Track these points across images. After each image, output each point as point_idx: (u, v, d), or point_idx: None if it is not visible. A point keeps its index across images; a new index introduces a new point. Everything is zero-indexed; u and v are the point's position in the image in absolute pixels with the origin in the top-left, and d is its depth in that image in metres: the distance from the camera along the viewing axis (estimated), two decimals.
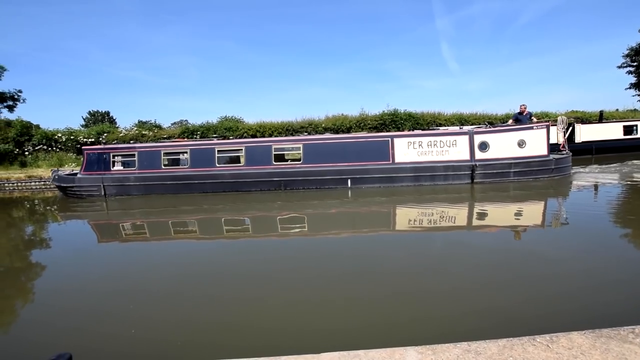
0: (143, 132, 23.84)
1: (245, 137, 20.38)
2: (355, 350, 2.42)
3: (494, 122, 18.95)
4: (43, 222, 9.61)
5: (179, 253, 6.12)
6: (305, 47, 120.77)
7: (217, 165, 11.51)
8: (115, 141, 23.02)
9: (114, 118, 50.58)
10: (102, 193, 11.70)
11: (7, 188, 18.12)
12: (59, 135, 23.82)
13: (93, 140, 23.70)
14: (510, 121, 13.02)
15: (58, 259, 6.13)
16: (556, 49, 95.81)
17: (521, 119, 12.42)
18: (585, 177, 12.27)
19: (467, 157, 11.33)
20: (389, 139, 11.41)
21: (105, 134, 24.09)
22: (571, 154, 12.44)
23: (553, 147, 12.80)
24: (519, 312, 3.48)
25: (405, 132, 11.81)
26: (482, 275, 4.39)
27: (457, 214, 7.87)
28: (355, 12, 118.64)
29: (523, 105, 12.57)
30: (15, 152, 23.68)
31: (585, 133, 18.25)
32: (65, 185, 12.00)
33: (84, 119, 49.70)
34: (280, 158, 11.69)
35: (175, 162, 11.68)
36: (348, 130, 20.49)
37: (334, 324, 3.34)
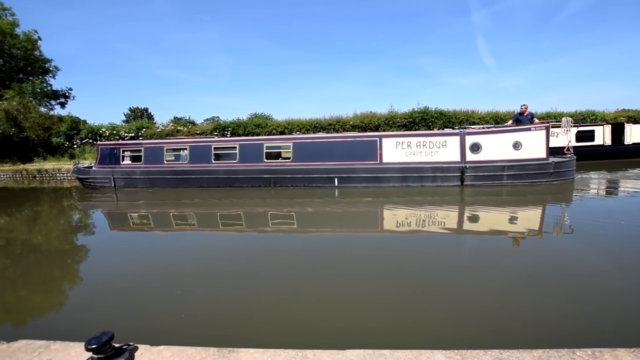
0: (178, 128, 25.31)
1: (273, 134, 21.20)
2: (381, 350, 2.39)
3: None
4: (65, 211, 10.73)
5: (191, 244, 6.64)
6: (334, 45, 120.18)
7: (213, 161, 12.10)
8: (154, 136, 24.53)
9: (152, 114, 54.11)
10: (113, 185, 12.74)
11: (58, 178, 20.10)
12: (103, 129, 25.85)
13: (133, 135, 25.45)
14: (509, 122, 12.50)
15: (85, 245, 6.93)
16: (606, 41, 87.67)
17: (522, 120, 11.94)
18: (590, 183, 11.58)
19: (457, 158, 11.12)
20: (377, 139, 11.45)
21: (144, 129, 25.77)
22: (575, 157, 11.73)
23: (558, 150, 12.16)
24: (556, 322, 3.27)
25: (394, 132, 11.80)
26: (506, 279, 4.32)
27: (442, 218, 7.80)
28: (387, 8, 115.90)
29: (524, 105, 12.05)
30: (66, 145, 25.89)
31: (637, 134, 16.70)
32: (82, 177, 13.23)
33: (125, 115, 53.60)
34: (271, 156, 12.07)
35: (176, 158, 12.44)
36: (376, 128, 20.48)
37: (359, 322, 3.35)
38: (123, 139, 25.11)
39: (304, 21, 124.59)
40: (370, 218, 8.23)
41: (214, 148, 12.19)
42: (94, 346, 1.70)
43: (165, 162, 12.47)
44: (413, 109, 21.69)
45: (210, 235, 7.13)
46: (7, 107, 24.53)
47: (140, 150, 12.67)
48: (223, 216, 8.75)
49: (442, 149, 11.21)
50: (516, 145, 11.05)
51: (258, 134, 22.25)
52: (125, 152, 12.85)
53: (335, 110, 45.18)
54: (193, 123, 27.94)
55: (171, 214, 9.17)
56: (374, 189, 11.21)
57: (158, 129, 26.20)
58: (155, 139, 22.44)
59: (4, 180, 22.19)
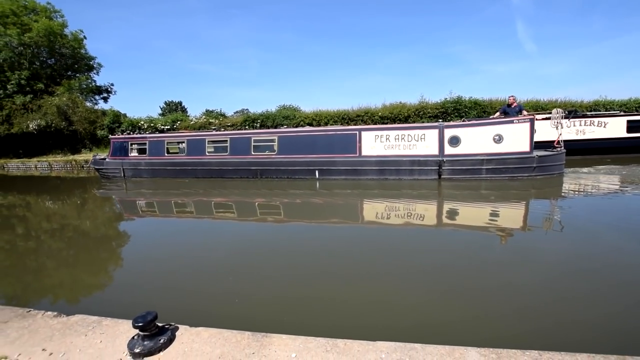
0: (210, 120, 26.82)
1: (302, 125, 22.16)
2: (412, 343, 2.40)
3: (577, 110, 17.24)
4: (82, 199, 12.18)
5: (203, 230, 7.50)
6: (364, 36, 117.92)
7: (207, 154, 12.95)
8: (188, 128, 26.14)
9: (185, 107, 58.10)
10: (122, 175, 14.02)
11: None
12: (142, 122, 27.99)
13: (169, 127, 27.43)
14: (496, 114, 12.20)
15: (104, 229, 8.05)
16: None
17: (509, 112, 11.67)
18: (580, 178, 11.12)
19: (435, 152, 11.16)
20: (357, 132, 11.70)
21: (178, 122, 27.65)
22: (564, 151, 11.26)
23: (545, 144, 11.72)
24: (599, 326, 3.12)
25: (374, 126, 11.99)
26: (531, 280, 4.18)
27: (414, 212, 7.89)
28: None
29: (512, 96, 11.76)
30: (109, 137, 28.26)
31: None
32: (98, 167, 14.74)
33: (161, 108, 57.61)
34: (258, 149, 12.69)
35: (175, 151, 13.44)
36: (406, 119, 20.54)
37: (388, 319, 3.34)
38: (161, 131, 26.98)
39: (332, 13, 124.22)
40: (350, 210, 8.62)
41: (208, 142, 13.01)
42: (140, 324, 1.85)
43: (166, 154, 13.48)
44: (445, 98, 21.33)
45: (228, 224, 7.69)
46: (59, 102, 27.01)
47: (145, 143, 13.81)
48: (243, 206, 9.53)
49: (421, 142, 11.27)
50: (497, 139, 10.86)
51: (287, 126, 23.07)
52: (133, 145, 14.11)
53: (363, 102, 45.03)
54: (224, 115, 29.34)
55: (183, 202, 10.21)
56: (353, 182, 11.49)
57: (191, 121, 27.94)
58: (190, 130, 24.00)
59: (57, 169, 24.74)
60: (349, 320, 3.30)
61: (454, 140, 11.10)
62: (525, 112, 11.53)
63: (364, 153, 11.69)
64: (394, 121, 21.14)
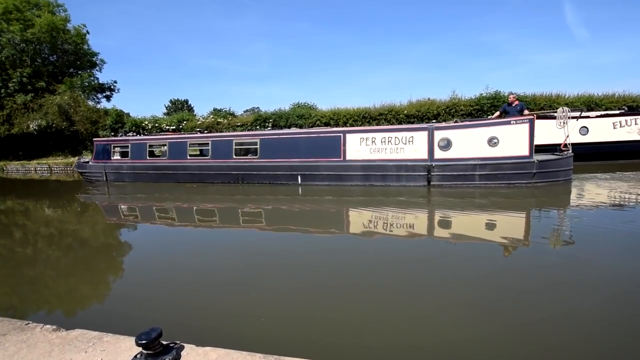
0: (218, 120, 28.97)
1: (318, 125, 23.83)
2: None
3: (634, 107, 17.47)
4: (63, 203, 14.12)
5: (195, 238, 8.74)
6: (387, 24, 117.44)
7: (188, 157, 14.40)
8: (198, 129, 28.08)
9: (192, 106, 61.68)
10: (105, 179, 15.77)
11: None
12: (146, 122, 30.59)
13: (174, 127, 29.78)
14: (496, 114, 12.84)
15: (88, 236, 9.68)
16: None
17: (510, 112, 12.43)
18: (590, 186, 11.58)
19: (424, 156, 12.07)
20: (341, 134, 12.75)
21: (184, 122, 30.02)
22: (572, 155, 11.78)
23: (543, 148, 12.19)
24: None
25: (359, 127, 12.96)
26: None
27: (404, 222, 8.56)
28: None
29: (512, 94, 12.57)
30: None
31: None
32: (81, 171, 16.70)
33: (166, 107, 62.02)
34: (240, 152, 13.96)
35: (157, 154, 14.98)
36: (435, 118, 21.69)
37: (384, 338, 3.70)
38: (166, 131, 29.05)
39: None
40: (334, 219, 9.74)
41: (189, 145, 14.46)
42: (143, 342, 1.91)
43: (147, 157, 15.06)
44: (480, 94, 22.09)
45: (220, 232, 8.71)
46: (60, 101, 29.83)
47: (128, 146, 15.47)
48: (241, 213, 10.97)
49: (409, 145, 12.18)
50: (492, 141, 11.59)
51: (301, 126, 24.74)
52: (116, 148, 16.00)
53: (387, 98, 45.59)
54: (233, 114, 31.39)
55: (163, 207, 11.82)
56: (337, 188, 12.76)
57: (198, 121, 30.26)
58: (195, 131, 25.84)
59: (57, 172, 27.29)
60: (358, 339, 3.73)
61: (445, 144, 11.92)
62: (526, 112, 12.10)
63: (348, 157, 12.74)
64: (421, 120, 22.15)
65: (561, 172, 11.69)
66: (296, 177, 13.42)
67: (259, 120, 27.08)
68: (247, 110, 39.41)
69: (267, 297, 4.63)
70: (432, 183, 12.05)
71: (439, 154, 12.03)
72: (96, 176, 16.77)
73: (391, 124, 17.51)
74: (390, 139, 12.48)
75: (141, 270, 6.11)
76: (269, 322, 3.98)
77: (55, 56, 32.44)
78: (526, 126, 11.42)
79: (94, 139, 17.31)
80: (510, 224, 8.09)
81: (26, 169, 29.39)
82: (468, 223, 8.25)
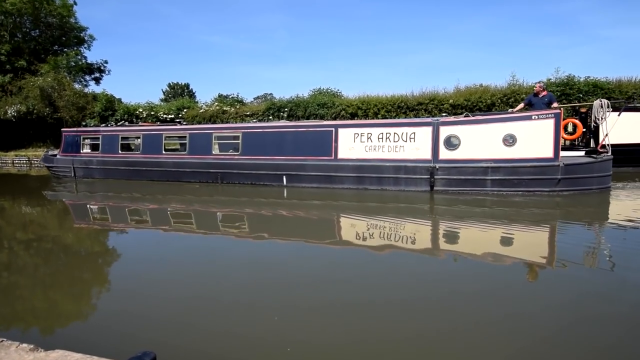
0: (224, 108, 29.18)
1: (342, 115, 24.00)
2: None
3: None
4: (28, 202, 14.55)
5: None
6: None
7: (164, 152, 14.51)
8: (197, 118, 28.48)
9: (194, 91, 62.80)
10: (73, 174, 16.05)
11: None
12: (140, 110, 31.16)
13: (173, 116, 30.29)
14: (519, 106, 12.52)
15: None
16: None
17: (535, 104, 12.09)
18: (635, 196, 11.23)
19: (427, 156, 12.04)
20: (333, 128, 12.69)
21: (184, 110, 30.52)
22: (611, 157, 11.34)
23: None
24: None
25: (353, 121, 12.78)
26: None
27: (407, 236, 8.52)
28: None
29: (539, 83, 12.20)
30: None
31: None
32: (48, 165, 17.06)
33: (164, 92, 63.57)
34: (220, 148, 14.02)
35: (130, 148, 15.19)
36: (489, 108, 21.16)
37: None
38: (162, 121, 29.48)
39: None
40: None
41: (165, 137, 14.58)
42: None
43: (119, 152, 15.25)
44: (548, 79, 21.28)
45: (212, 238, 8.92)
46: (43, 83, 30.48)
47: (99, 138, 15.69)
48: (222, 217, 11.32)
49: (409, 143, 12.08)
50: (508, 140, 11.36)
51: (322, 116, 24.86)
52: (86, 140, 16.35)
53: (428, 84, 44.76)
54: (241, 102, 31.96)
55: (138, 209, 12.21)
56: (326, 191, 12.92)
57: (201, 109, 30.54)
58: (198, 122, 26.05)
59: (38, 166, 27.94)
60: None
61: (451, 142, 11.78)
62: (556, 104, 11.70)
63: (340, 156, 12.71)
64: (471, 110, 21.32)
65: (594, 178, 11.37)
66: (281, 177, 13.52)
67: (272, 109, 27.13)
68: (258, 97, 39.89)
69: (258, 316, 4.74)
70: (435, 188, 11.94)
71: (444, 153, 11.87)
72: (64, 171, 17.33)
73: (432, 117, 17.02)
74: (388, 135, 12.38)
75: (128, 282, 6.21)
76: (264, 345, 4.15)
77: (37, 31, 33.37)
78: (551, 122, 11.14)
79: (62, 129, 17.90)
80: (526, 242, 7.88)
81: (2, 161, 30.30)
82: (475, 239, 8.19)
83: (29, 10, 31.76)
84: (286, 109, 26.38)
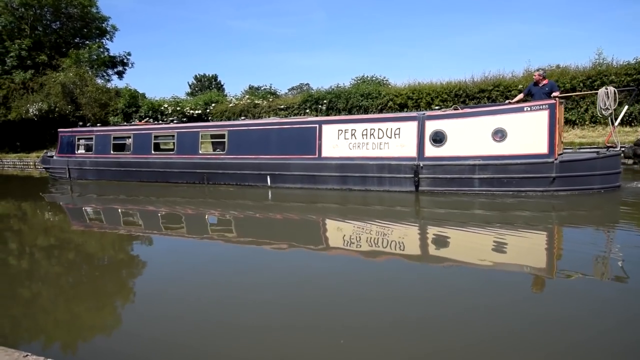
0: (256, 102, 31.48)
1: (390, 107, 25.44)
2: None
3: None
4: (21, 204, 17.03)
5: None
6: None
7: (153, 152, 16.71)
8: (226, 113, 31.24)
9: (222, 84, 66.61)
10: (68, 176, 18.67)
11: None
12: (165, 105, 34.15)
13: (200, 112, 32.94)
14: (519, 96, 13.43)
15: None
16: None
17: (535, 94, 12.88)
18: None
19: (412, 153, 13.23)
20: (317, 125, 14.23)
21: (212, 105, 33.08)
22: (619, 153, 12.23)
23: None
24: None
25: (337, 117, 14.28)
26: None
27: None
28: None
29: (538, 71, 12.95)
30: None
31: None
32: (45, 166, 19.81)
33: (190, 85, 67.31)
34: (207, 147, 15.97)
35: (121, 148, 17.55)
36: (568, 93, 20.59)
37: None
38: (189, 117, 32.59)
39: None
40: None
41: (154, 137, 16.76)
42: None
43: (111, 152, 17.63)
44: None
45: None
46: (64, 79, 33.98)
47: (92, 138, 18.16)
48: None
49: (394, 139, 13.35)
50: (498, 135, 12.31)
51: (366, 109, 26.34)
52: (80, 141, 18.79)
53: (492, 67, 44.09)
54: (274, 94, 34.10)
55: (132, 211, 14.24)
56: (310, 192, 14.34)
57: (230, 103, 32.94)
58: (227, 117, 28.47)
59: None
60: None
61: (438, 137, 12.89)
62: (557, 93, 12.48)
63: (324, 154, 14.24)
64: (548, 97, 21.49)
65: (596, 176, 11.91)
66: (265, 177, 15.12)
67: (309, 101, 28.77)
68: (293, 89, 41.84)
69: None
70: (420, 188, 12.99)
71: (430, 150, 12.93)
72: (59, 173, 19.83)
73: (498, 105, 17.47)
74: (372, 131, 13.66)
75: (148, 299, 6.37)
76: None
77: (58, 23, 37.24)
78: (545, 114, 11.83)
79: (58, 130, 20.46)
80: (517, 249, 8.14)
81: (24, 163, 34.06)
82: (460, 249, 8.42)
83: (50, 1, 35.53)
84: (325, 101, 27.89)
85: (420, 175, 12.94)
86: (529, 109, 12.05)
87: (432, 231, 9.82)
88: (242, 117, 28.69)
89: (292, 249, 8.71)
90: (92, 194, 16.86)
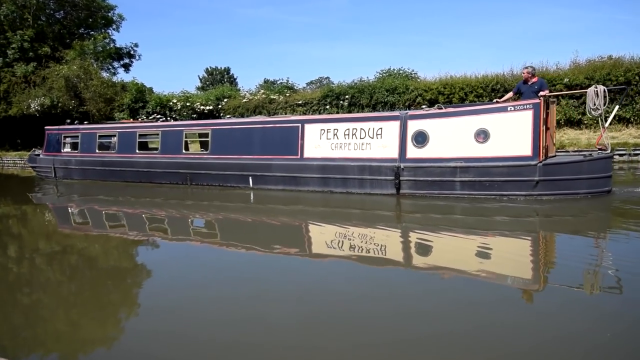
0: (271, 97, 32.28)
1: (419, 103, 25.75)
2: None
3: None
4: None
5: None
6: None
7: (137, 151, 18.05)
8: (239, 109, 32.27)
9: (235, 77, 68.49)
10: (54, 175, 20.21)
11: None
12: (175, 101, 35.20)
13: (211, 107, 33.99)
14: (507, 95, 14.10)
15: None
16: None
17: (524, 92, 13.51)
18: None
19: (394, 154, 14.03)
20: (300, 124, 15.28)
21: (225, 100, 34.03)
22: (610, 156, 12.77)
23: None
24: None
25: (321, 116, 15.31)
26: None
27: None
28: None
29: (527, 68, 13.59)
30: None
31: None
32: (32, 165, 21.39)
33: (201, 79, 69.07)
34: (191, 147, 17.23)
35: (106, 147, 18.94)
36: (622, 90, 20.26)
37: None
38: (200, 113, 33.75)
39: None
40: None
41: (139, 135, 18.09)
42: None
43: (96, 151, 19.04)
44: None
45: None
46: (68, 72, 35.62)
47: (78, 136, 19.60)
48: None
49: (376, 139, 14.23)
50: (480, 135, 12.99)
51: (393, 104, 26.97)
52: (66, 139, 20.29)
53: (533, 58, 43.76)
54: (291, 88, 34.61)
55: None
56: (292, 194, 15.30)
57: (244, 98, 33.76)
58: (240, 113, 30.23)
59: None
60: None
61: (420, 138, 13.70)
62: (545, 92, 13.07)
63: (306, 155, 15.24)
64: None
65: (583, 181, 12.44)
66: (247, 178, 16.15)
67: (330, 96, 29.48)
68: (311, 83, 42.68)
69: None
70: (401, 191, 13.76)
71: (412, 152, 13.68)
72: (45, 172, 21.31)
73: (482, 104, 17.81)
74: (355, 131, 14.52)
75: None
76: None
77: (62, 12, 39.03)
78: (529, 114, 12.41)
79: (45, 127, 21.99)
80: (494, 260, 8.48)
81: (25, 161, 35.78)
82: (439, 256, 8.99)
83: None
84: (347, 96, 28.47)
85: (401, 178, 13.67)
86: (512, 108, 12.65)
87: (410, 239, 10.36)
88: (256, 113, 29.79)
89: (265, 257, 9.09)
90: (74, 194, 18.28)
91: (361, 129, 14.47)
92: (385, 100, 27.01)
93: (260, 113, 30.35)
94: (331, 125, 14.95)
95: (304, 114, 27.99)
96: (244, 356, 4.86)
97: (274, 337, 5.25)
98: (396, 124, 14.01)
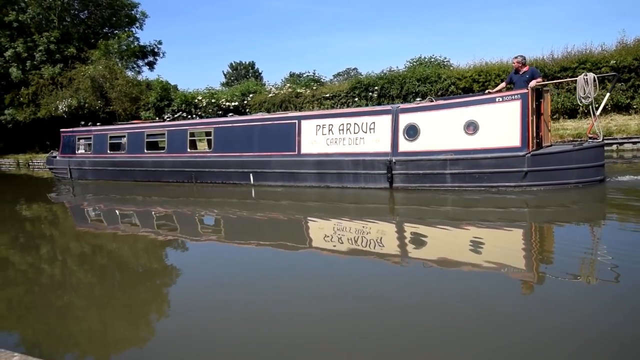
0: (298, 91, 32.85)
1: (452, 92, 26.21)
2: None
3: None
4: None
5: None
6: None
7: (145, 151, 18.98)
8: (265, 104, 32.77)
9: (260, 72, 69.24)
10: (69, 176, 21.36)
11: None
12: (200, 98, 36.17)
13: (237, 103, 34.72)
14: (500, 85, 14.44)
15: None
16: None
17: (515, 82, 13.86)
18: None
19: (386, 148, 14.61)
20: (296, 121, 15.96)
21: (250, 95, 34.80)
22: (601, 145, 13.02)
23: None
24: None
25: (317, 112, 15.92)
26: None
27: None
28: None
29: (517, 58, 13.91)
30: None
31: None
32: (50, 167, 22.62)
33: (225, 75, 70.22)
34: (195, 145, 18.05)
35: (117, 147, 19.95)
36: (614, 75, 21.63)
37: None
38: (225, 110, 34.43)
39: None
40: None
41: (147, 135, 19.00)
42: None
43: (108, 152, 20.04)
44: None
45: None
46: (94, 72, 36.91)
47: (91, 137, 20.65)
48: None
49: (369, 134, 14.81)
50: (470, 127, 13.42)
51: (424, 94, 26.56)
52: (80, 140, 21.33)
53: (575, 40, 42.96)
54: (318, 81, 35.32)
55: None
56: (291, 190, 16.02)
57: (269, 93, 34.52)
58: (266, 109, 30.63)
59: None
60: None
61: (411, 131, 14.23)
62: (536, 81, 13.34)
63: (303, 150, 15.95)
64: None
65: (573, 170, 12.72)
66: (248, 175, 16.91)
67: (358, 88, 29.81)
68: (339, 75, 43.23)
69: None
70: (394, 185, 14.30)
71: (404, 145, 14.21)
72: (62, 173, 22.61)
73: (471, 95, 17.95)
74: (349, 126, 15.12)
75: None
76: None
77: (87, 12, 40.45)
78: (517, 104, 12.80)
79: (60, 130, 23.29)
80: (482, 251, 8.65)
81: None
82: (430, 250, 9.16)
83: None
84: (376, 88, 28.78)
85: (393, 172, 14.19)
86: (500, 99, 13.05)
87: (403, 232, 10.70)
88: (283, 108, 30.37)
89: (266, 253, 9.40)
90: (89, 194, 19.40)
91: (355, 123, 15.03)
92: (417, 90, 27.13)
93: (286, 108, 30.70)
94: (326, 121, 15.57)
95: (332, 107, 28.41)
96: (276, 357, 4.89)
97: (298, 336, 5.30)
98: (388, 118, 14.53)
